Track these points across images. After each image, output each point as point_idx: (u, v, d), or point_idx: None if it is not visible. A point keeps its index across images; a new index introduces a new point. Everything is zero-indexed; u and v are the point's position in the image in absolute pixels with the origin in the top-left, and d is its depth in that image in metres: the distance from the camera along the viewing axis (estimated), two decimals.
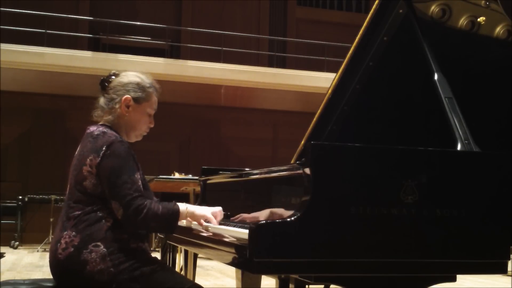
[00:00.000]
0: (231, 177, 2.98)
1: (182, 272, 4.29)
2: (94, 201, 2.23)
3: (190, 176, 5.79)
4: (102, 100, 2.41)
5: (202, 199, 3.23)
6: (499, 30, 2.69)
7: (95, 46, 12.42)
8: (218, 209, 2.37)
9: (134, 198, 2.17)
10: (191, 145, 12.75)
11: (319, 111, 2.93)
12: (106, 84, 2.40)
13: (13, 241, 10.32)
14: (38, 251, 9.66)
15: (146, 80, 2.41)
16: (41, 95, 11.64)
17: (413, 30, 2.52)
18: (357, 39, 2.75)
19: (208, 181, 3.23)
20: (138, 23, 12.44)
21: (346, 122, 2.92)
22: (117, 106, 2.36)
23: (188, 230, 2.50)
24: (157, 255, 3.16)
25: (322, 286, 2.94)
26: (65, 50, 10.81)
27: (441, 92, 2.32)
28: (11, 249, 10.03)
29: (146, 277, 2.19)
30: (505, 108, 2.61)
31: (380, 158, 1.97)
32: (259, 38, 13.64)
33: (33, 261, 8.35)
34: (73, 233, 2.19)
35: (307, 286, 2.25)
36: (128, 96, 2.36)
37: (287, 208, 2.18)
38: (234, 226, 2.26)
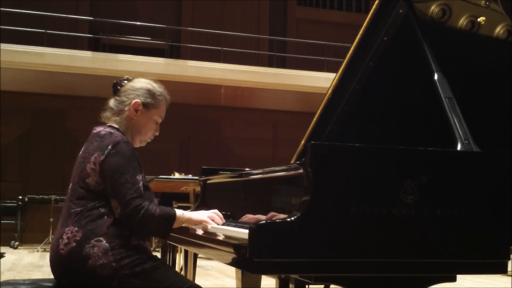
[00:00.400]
0: (231, 177, 2.98)
1: (182, 272, 4.29)
2: (97, 198, 2.26)
3: (190, 176, 5.79)
4: (112, 102, 2.46)
5: (202, 199, 3.23)
6: (499, 30, 2.69)
7: (95, 46, 12.42)
8: (215, 212, 2.40)
9: (133, 198, 2.20)
10: (191, 145, 12.75)
11: (319, 111, 2.93)
12: (119, 87, 2.47)
13: (13, 241, 10.33)
14: (38, 251, 9.66)
15: (157, 89, 2.48)
16: (41, 95, 11.64)
17: (413, 30, 2.52)
18: (357, 39, 2.75)
19: (208, 181, 3.23)
20: (138, 23, 12.44)
21: (346, 122, 2.92)
22: (126, 108, 2.42)
23: (188, 230, 2.50)
24: (157, 255, 3.16)
25: (322, 286, 2.94)
26: (65, 50, 10.81)
27: (441, 92, 2.32)
28: (11, 249, 10.03)
29: (146, 273, 2.21)
30: (505, 108, 2.61)
31: (380, 158, 1.97)
32: (259, 38, 13.65)
33: (33, 261, 8.35)
34: (75, 228, 2.22)
35: (307, 286, 2.25)
36: (137, 100, 2.41)
37: (287, 208, 2.18)
38: (234, 226, 2.26)
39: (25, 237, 10.84)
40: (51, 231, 9.53)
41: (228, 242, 2.02)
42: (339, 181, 1.90)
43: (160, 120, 2.50)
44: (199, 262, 6.73)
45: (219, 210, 2.46)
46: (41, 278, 2.44)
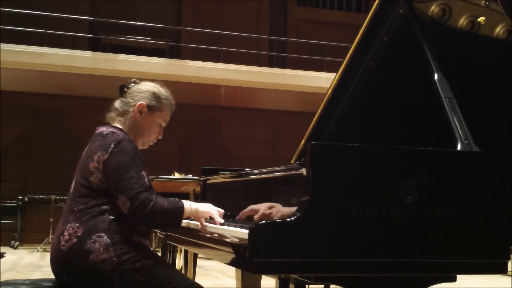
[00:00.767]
0: (231, 177, 2.98)
1: (182, 272, 4.29)
2: (99, 196, 2.28)
3: (190, 176, 5.79)
4: (117, 103, 2.49)
5: (202, 199, 3.23)
6: (499, 30, 2.69)
7: (95, 46, 12.42)
8: (219, 210, 2.41)
9: (140, 192, 2.21)
10: (191, 145, 12.75)
11: (319, 111, 2.93)
12: (125, 89, 2.50)
13: (13, 241, 10.33)
14: (38, 251, 9.67)
15: (163, 93, 2.51)
16: (41, 95, 11.64)
17: (413, 30, 2.52)
18: (357, 39, 2.75)
19: (208, 181, 3.23)
20: (138, 23, 12.44)
21: (346, 122, 2.92)
22: (131, 109, 2.44)
23: (188, 230, 2.50)
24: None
25: (322, 286, 2.94)
26: (65, 50, 10.81)
27: (441, 92, 2.32)
28: (11, 249, 10.03)
29: (147, 269, 2.23)
30: (505, 108, 2.61)
31: (380, 158, 1.97)
32: (259, 38, 13.65)
33: (33, 261, 8.35)
34: (77, 224, 2.24)
35: (307, 286, 2.26)
36: (143, 102, 2.44)
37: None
38: (234, 226, 2.26)
39: (25, 237, 10.84)
40: (51, 231, 9.53)
41: (228, 242, 2.02)
42: (339, 181, 1.90)
43: (164, 124, 2.53)
44: (199, 262, 6.72)
45: None
46: (41, 278, 2.45)
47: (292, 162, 2.91)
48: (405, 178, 1.93)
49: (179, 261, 5.31)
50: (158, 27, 12.32)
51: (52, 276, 2.33)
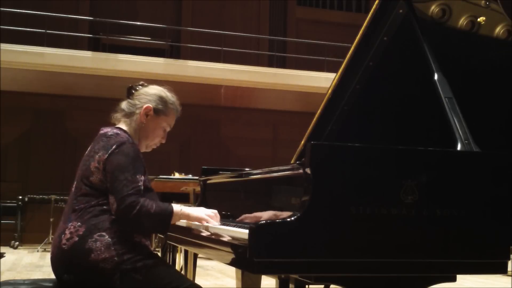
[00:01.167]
0: (231, 177, 2.98)
1: (182, 272, 4.29)
2: (100, 195, 2.29)
3: (190, 176, 5.79)
4: (124, 104, 2.50)
5: (202, 199, 3.23)
6: (499, 30, 2.69)
7: (95, 46, 12.42)
8: (214, 212, 2.40)
9: (129, 194, 2.21)
10: (191, 145, 12.75)
11: (319, 111, 2.93)
12: (133, 91, 2.52)
13: (13, 241, 10.32)
14: (38, 251, 9.66)
15: (170, 98, 2.53)
16: (41, 95, 11.63)
17: (413, 30, 2.52)
18: (357, 39, 2.75)
19: (208, 181, 3.23)
20: (138, 23, 12.44)
21: (346, 122, 2.92)
22: (137, 111, 2.46)
23: (188, 230, 2.50)
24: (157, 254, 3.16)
25: (322, 286, 2.94)
26: (65, 50, 10.81)
27: (441, 92, 2.32)
28: (11, 249, 10.02)
29: (148, 269, 2.23)
30: (505, 108, 2.61)
31: (380, 158, 1.97)
32: (259, 38, 13.64)
33: (33, 261, 8.35)
34: (78, 223, 2.25)
35: (307, 286, 2.25)
36: (149, 105, 2.46)
37: (287, 208, 2.18)
38: (234, 226, 2.26)
39: (25, 237, 10.83)
40: (51, 231, 9.53)
41: (228, 242, 2.02)
42: (339, 181, 1.90)
43: (168, 129, 2.55)
44: (199, 262, 6.72)
45: (219, 210, 2.46)
46: (41, 278, 2.45)
47: (292, 162, 2.91)
48: (405, 178, 1.93)
49: (179, 261, 5.31)
50: (158, 27, 12.32)
51: (52, 276, 2.33)
